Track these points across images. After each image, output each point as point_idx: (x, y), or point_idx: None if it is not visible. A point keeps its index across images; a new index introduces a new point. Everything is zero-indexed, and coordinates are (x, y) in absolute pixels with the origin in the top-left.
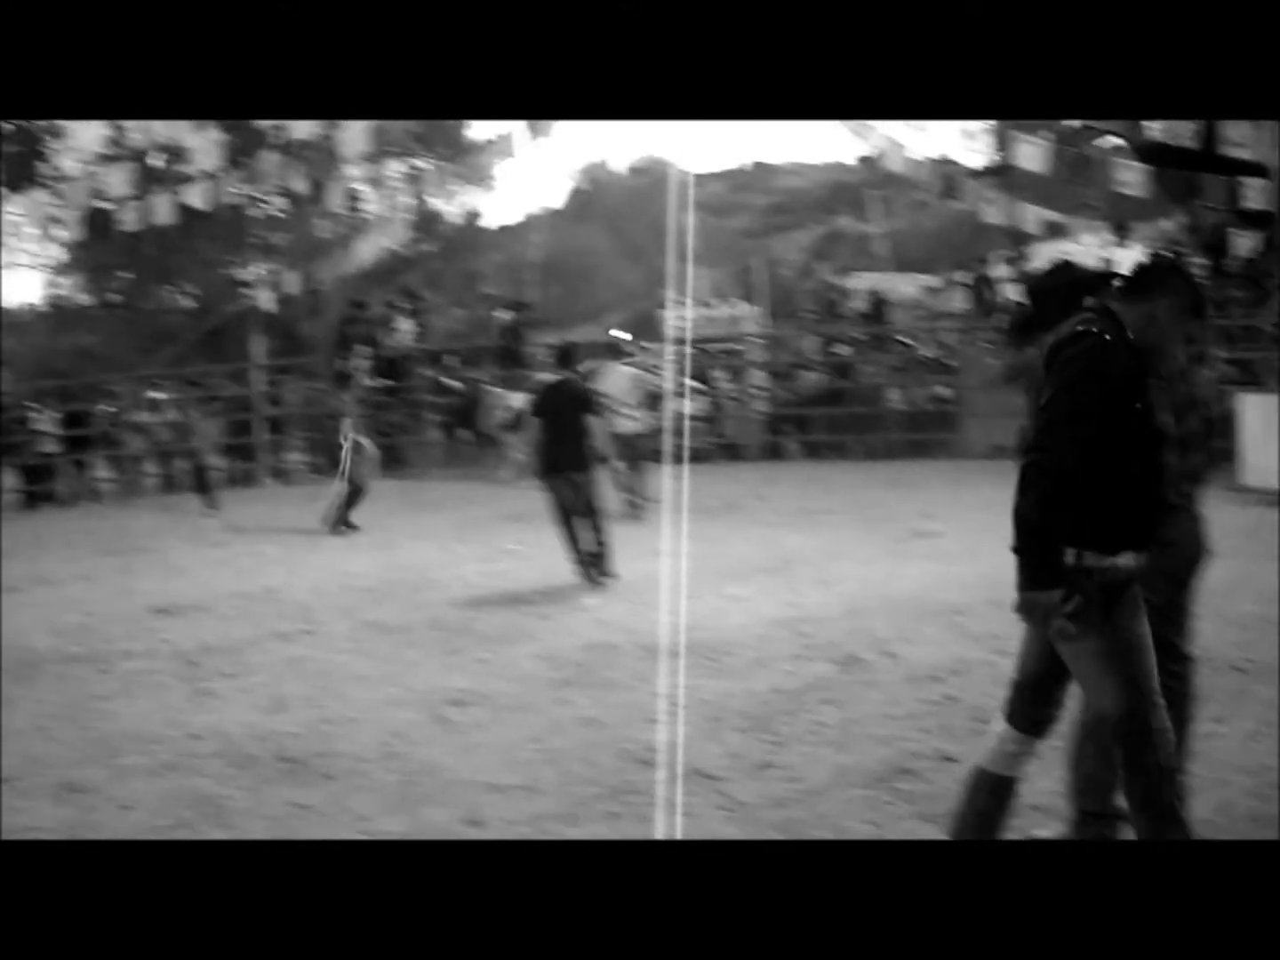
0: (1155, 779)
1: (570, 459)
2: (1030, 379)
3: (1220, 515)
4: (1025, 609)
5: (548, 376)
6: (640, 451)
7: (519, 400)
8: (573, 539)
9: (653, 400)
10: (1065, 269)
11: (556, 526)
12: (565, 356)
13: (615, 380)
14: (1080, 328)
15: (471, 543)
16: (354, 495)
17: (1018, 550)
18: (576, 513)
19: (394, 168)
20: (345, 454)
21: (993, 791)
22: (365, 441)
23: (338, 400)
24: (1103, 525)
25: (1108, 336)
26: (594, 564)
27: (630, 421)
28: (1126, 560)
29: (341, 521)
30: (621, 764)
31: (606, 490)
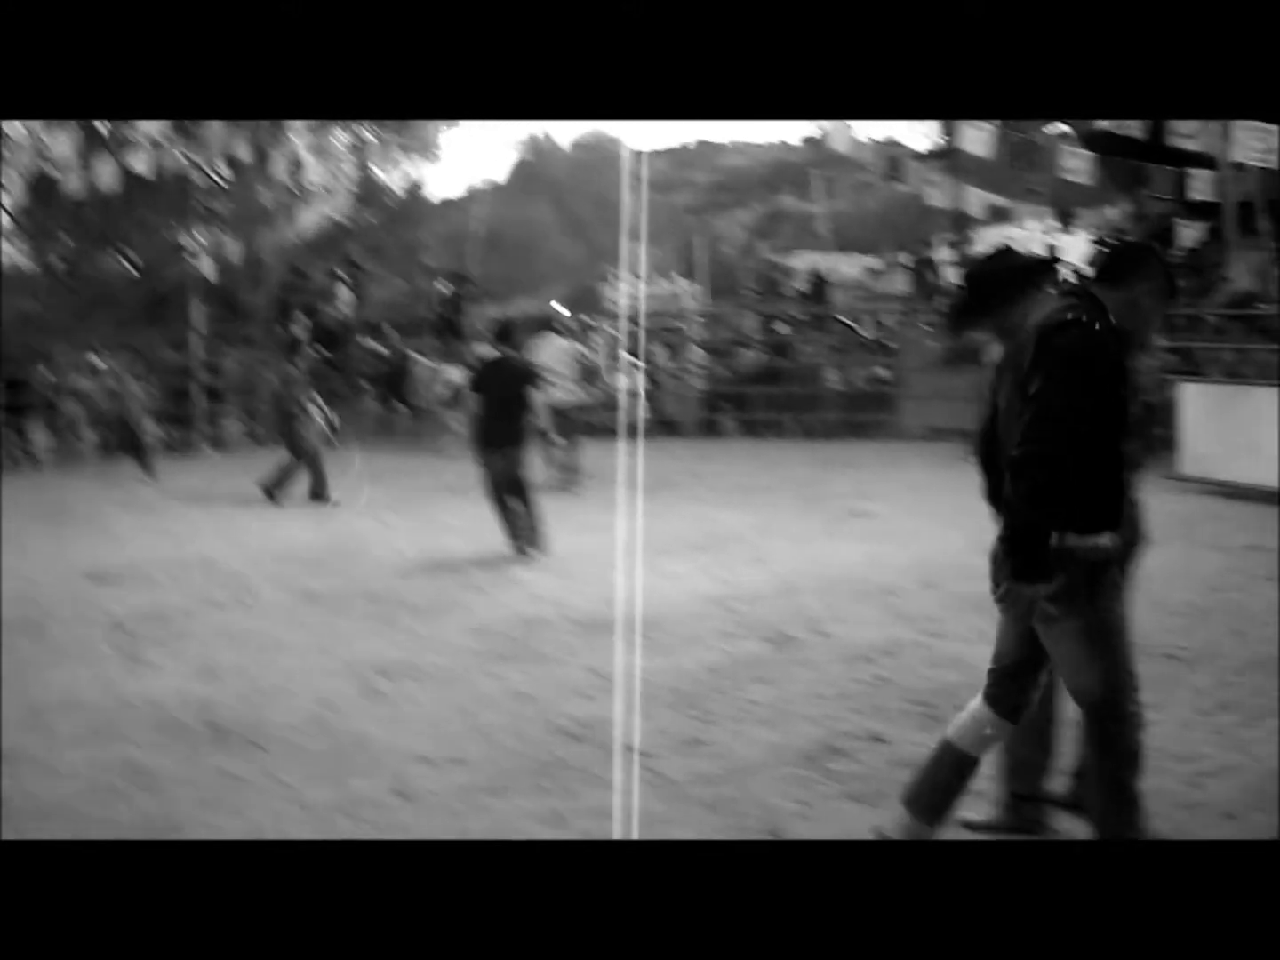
0: (1124, 762)
1: (508, 436)
2: (1011, 362)
3: (1159, 503)
4: (1011, 600)
5: (488, 352)
6: (573, 424)
7: (457, 375)
8: (506, 514)
9: (586, 373)
10: (1005, 255)
11: (489, 501)
12: (505, 333)
13: (549, 352)
14: (1070, 315)
15: (407, 515)
16: (308, 465)
17: (1007, 541)
18: (509, 488)
19: (338, 137)
20: (299, 424)
21: (956, 767)
22: (317, 410)
23: (286, 369)
24: (1085, 506)
25: (1096, 325)
26: (526, 539)
27: (564, 393)
28: (1106, 540)
29: (283, 489)
30: (551, 738)
31: (541, 465)
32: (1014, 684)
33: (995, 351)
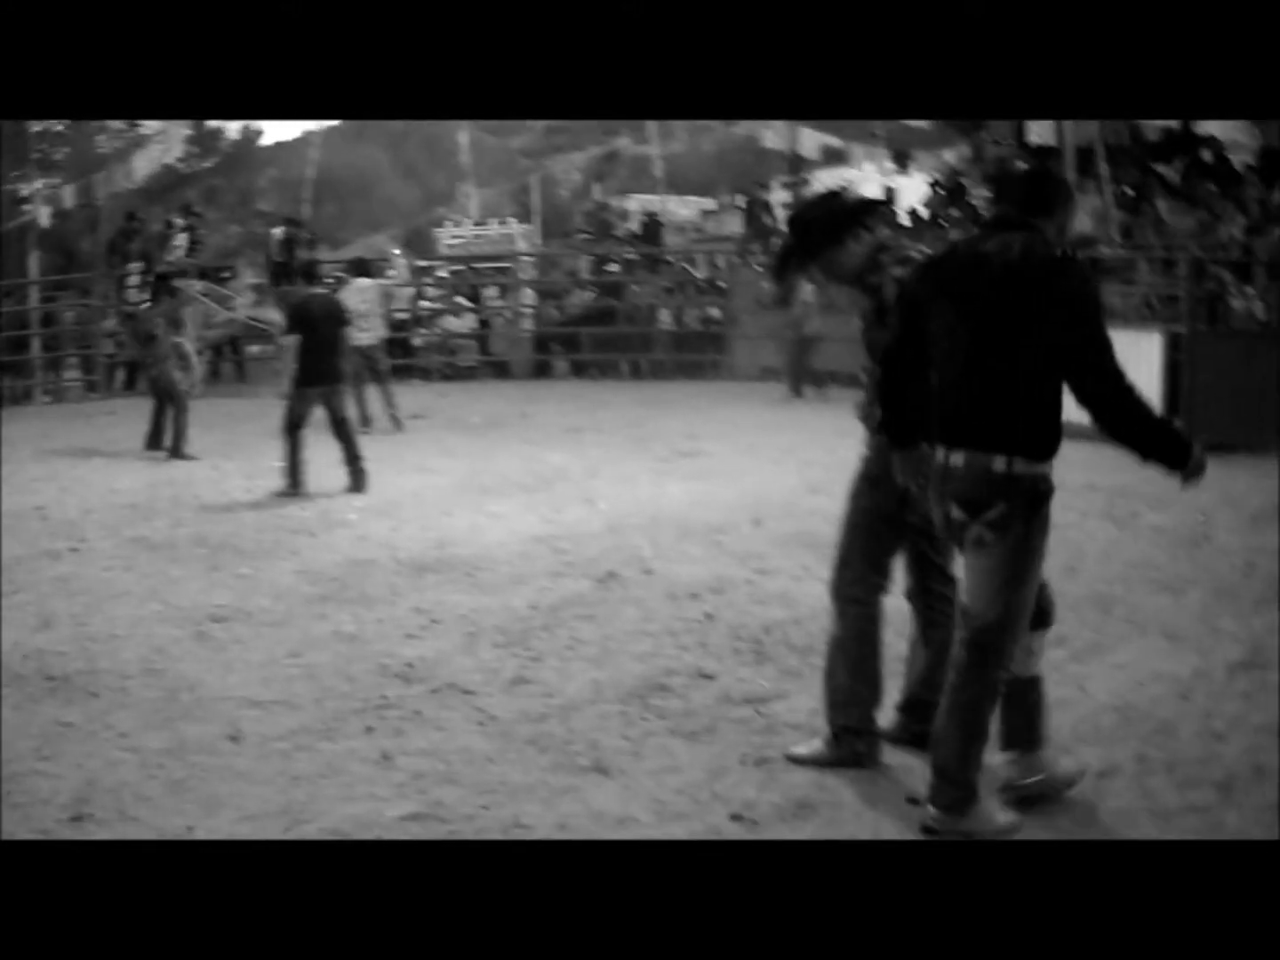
0: (986, 693)
1: (328, 372)
2: (950, 290)
3: None
4: (1195, 473)
5: (301, 291)
6: (383, 364)
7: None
8: (295, 451)
9: (395, 313)
10: (829, 199)
11: (284, 435)
12: (309, 271)
13: (358, 294)
14: (1058, 252)
15: (237, 459)
16: (182, 414)
17: (1163, 448)
18: (332, 428)
19: None
20: (167, 370)
21: (1026, 694)
22: (191, 355)
23: (151, 315)
24: (1037, 432)
25: (1077, 256)
26: (352, 480)
27: (370, 334)
28: (1050, 469)
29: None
30: (379, 679)
31: (363, 404)
32: None
33: (809, 290)
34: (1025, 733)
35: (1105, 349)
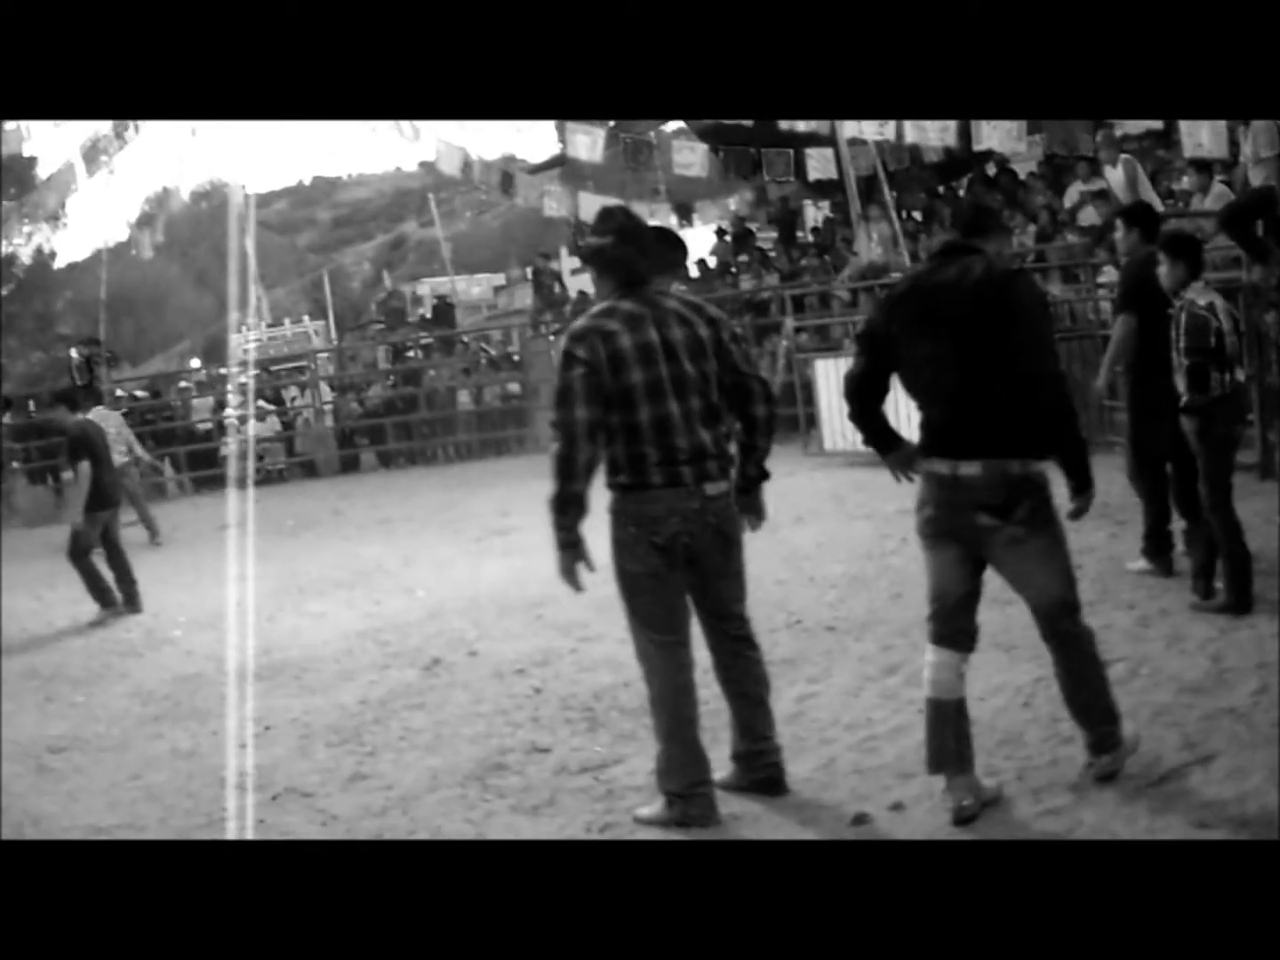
0: (1095, 643)
1: (112, 495)
2: (924, 311)
3: (808, 481)
4: (1090, 502)
5: (78, 417)
6: (133, 483)
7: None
8: (94, 574)
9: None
10: (628, 229)
11: (76, 563)
12: (70, 398)
13: (102, 419)
14: (1011, 267)
15: (60, 588)
16: None
17: (1083, 467)
18: (102, 546)
19: None
20: None
21: (954, 715)
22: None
23: None
24: (1037, 433)
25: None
26: (128, 600)
27: (120, 456)
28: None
29: None
30: (219, 792)
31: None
32: (964, 615)
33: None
34: (957, 756)
35: (1056, 358)
